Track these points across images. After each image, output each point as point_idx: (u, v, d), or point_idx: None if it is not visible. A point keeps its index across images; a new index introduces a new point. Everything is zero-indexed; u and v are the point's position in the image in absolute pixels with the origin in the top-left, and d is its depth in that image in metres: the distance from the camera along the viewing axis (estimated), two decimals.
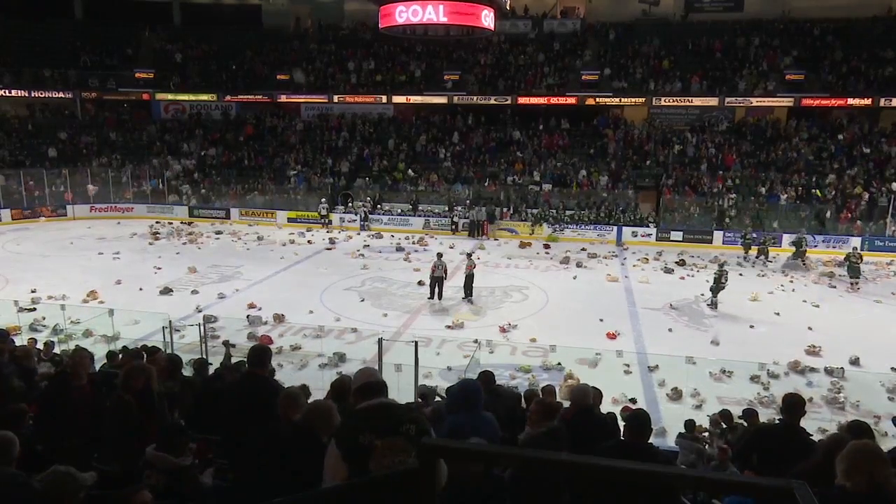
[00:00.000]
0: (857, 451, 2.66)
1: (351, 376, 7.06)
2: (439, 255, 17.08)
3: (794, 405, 4.68)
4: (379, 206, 27.50)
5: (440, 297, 16.48)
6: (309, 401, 6.97)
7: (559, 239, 24.60)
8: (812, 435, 5.21)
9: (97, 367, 7.14)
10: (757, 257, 21.79)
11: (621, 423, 5.37)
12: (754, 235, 22.72)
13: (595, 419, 5.07)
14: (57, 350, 9.96)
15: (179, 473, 3.53)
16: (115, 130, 33.34)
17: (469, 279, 16.52)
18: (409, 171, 29.14)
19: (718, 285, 16.27)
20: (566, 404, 6.00)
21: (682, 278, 19.31)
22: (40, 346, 9.83)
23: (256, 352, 4.87)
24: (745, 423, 7.58)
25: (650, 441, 4.39)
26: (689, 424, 8.02)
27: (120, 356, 8.04)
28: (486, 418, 4.19)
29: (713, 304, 16.25)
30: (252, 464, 3.53)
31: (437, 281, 16.48)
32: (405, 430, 2.60)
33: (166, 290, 16.77)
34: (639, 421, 4.13)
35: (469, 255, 17.43)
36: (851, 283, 18.49)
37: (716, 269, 17.16)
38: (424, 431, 2.61)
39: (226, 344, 9.61)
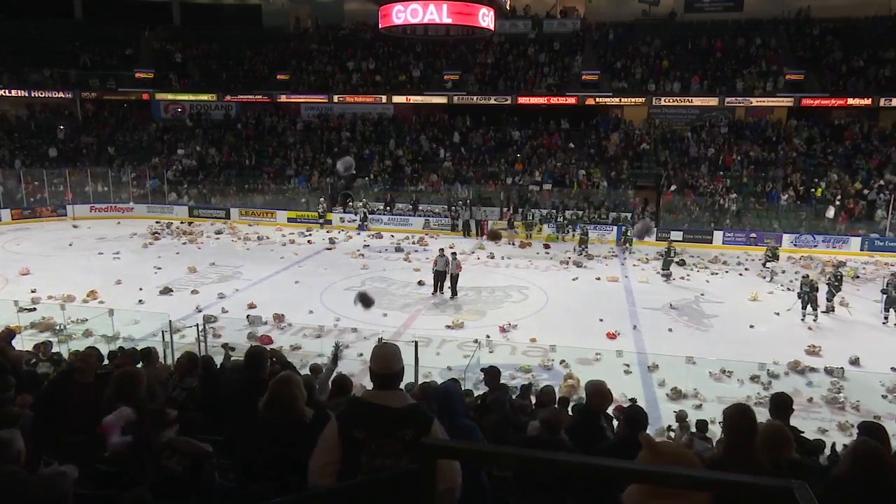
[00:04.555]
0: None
1: (349, 376, 7.09)
2: (441, 251, 17.41)
3: (783, 405, 4.69)
4: (388, 207, 27.38)
5: (441, 290, 16.87)
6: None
7: (566, 239, 24.43)
8: (804, 432, 5.22)
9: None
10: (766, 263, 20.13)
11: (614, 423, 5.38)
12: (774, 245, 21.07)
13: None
14: (55, 350, 9.94)
15: (201, 460, 3.52)
16: (114, 132, 33.36)
17: (454, 279, 16.73)
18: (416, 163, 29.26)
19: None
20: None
21: (683, 278, 19.33)
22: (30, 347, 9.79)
23: (252, 354, 4.86)
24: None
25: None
26: (702, 424, 8.08)
27: (118, 356, 8.04)
28: (463, 426, 3.70)
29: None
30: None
31: (438, 275, 16.87)
32: (401, 434, 2.62)
33: (166, 290, 16.78)
34: (634, 416, 4.19)
35: (454, 255, 17.47)
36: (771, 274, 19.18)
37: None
38: (424, 435, 2.61)
39: (225, 347, 9.62)
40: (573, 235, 23.96)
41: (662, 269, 19.28)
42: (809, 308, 15.23)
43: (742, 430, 3.17)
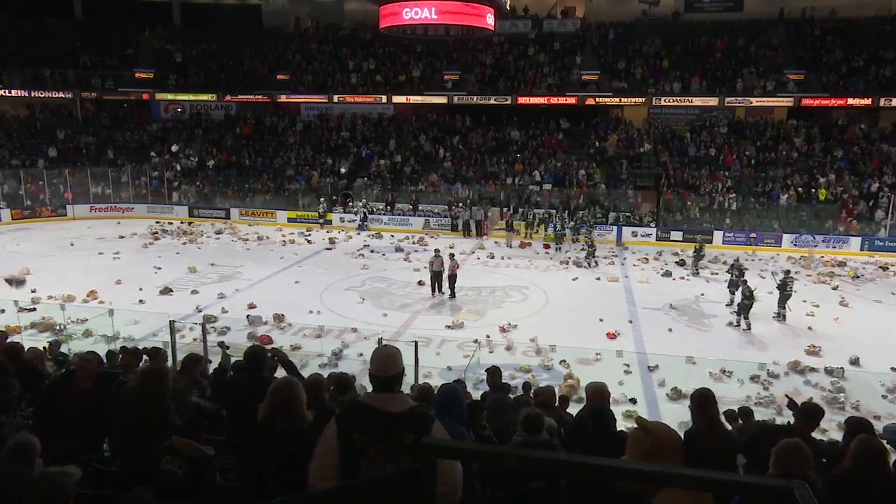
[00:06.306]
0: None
1: (350, 374, 7.09)
2: (436, 251, 17.49)
3: (812, 414, 4.59)
4: (388, 207, 27.36)
5: (440, 290, 16.91)
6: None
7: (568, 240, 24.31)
8: None
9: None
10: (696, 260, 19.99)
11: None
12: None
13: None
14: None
15: (201, 462, 3.51)
16: (112, 132, 33.35)
17: (452, 279, 16.78)
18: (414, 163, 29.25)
19: (783, 293, 15.07)
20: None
21: (682, 278, 19.33)
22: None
23: (252, 354, 4.86)
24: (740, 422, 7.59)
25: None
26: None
27: (120, 357, 8.05)
28: (453, 431, 3.58)
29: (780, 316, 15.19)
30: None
31: (436, 276, 16.91)
32: (401, 439, 2.61)
33: (166, 290, 16.78)
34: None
35: (451, 255, 17.48)
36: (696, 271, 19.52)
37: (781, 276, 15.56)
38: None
39: (221, 345, 9.62)
40: (572, 236, 23.87)
41: (585, 258, 20.62)
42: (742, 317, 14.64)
43: (707, 406, 4.24)
